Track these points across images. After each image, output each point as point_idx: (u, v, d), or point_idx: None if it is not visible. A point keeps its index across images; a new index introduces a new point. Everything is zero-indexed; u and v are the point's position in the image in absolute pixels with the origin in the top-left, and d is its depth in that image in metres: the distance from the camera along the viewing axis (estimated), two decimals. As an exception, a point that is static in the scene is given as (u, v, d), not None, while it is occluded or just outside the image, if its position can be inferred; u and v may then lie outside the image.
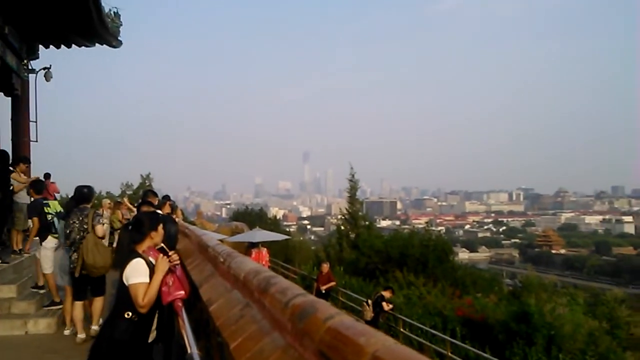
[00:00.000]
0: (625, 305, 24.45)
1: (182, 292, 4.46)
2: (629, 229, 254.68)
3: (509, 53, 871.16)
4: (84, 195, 8.01)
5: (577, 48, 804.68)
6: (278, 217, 71.55)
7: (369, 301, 15.01)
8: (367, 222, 34.44)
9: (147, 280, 4.32)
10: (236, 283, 3.97)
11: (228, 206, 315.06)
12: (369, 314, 14.72)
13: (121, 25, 14.72)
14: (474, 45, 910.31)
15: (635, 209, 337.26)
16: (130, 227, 4.76)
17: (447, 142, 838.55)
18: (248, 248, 23.33)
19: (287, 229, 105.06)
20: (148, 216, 4.99)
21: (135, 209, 10.50)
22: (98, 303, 8.04)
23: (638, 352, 18.88)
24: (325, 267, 18.22)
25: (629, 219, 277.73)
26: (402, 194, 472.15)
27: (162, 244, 4.71)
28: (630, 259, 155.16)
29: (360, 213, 34.52)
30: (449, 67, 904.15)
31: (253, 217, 49.88)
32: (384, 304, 14.99)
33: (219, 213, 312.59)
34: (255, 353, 2.67)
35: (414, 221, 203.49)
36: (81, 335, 7.75)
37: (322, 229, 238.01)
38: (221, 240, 21.74)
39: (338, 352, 1.86)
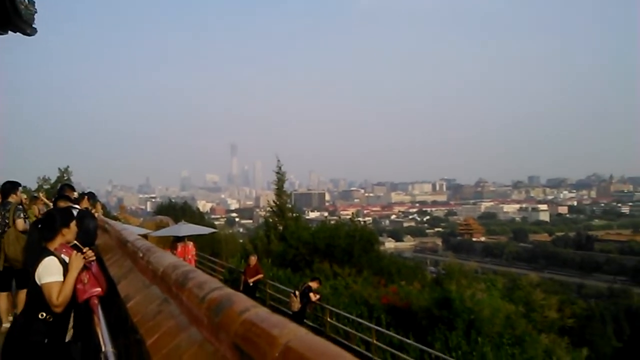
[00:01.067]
0: (540, 289, 25.69)
1: (99, 289, 4.33)
2: (544, 216, 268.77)
3: (425, 47, 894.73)
4: (5, 190, 8.33)
5: (479, 44, 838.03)
6: (205, 210, 70.63)
7: (296, 292, 15.08)
8: (295, 214, 34.55)
9: (61, 278, 4.16)
10: (155, 278, 3.89)
11: (153, 200, 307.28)
12: (297, 305, 14.79)
13: (36, 12, 13.99)
14: (398, 37, 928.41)
15: (550, 197, 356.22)
16: (40, 224, 4.55)
17: (373, 135, 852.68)
18: (173, 242, 22.89)
19: (215, 222, 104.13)
20: (59, 212, 4.81)
21: (52, 204, 10.10)
22: (22, 295, 7.96)
23: (552, 333, 19.96)
24: (253, 259, 18.16)
25: (544, 207, 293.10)
26: (330, 185, 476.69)
27: (76, 241, 4.54)
28: (545, 245, 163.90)
29: (288, 205, 34.56)
30: (372, 60, 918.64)
31: (178, 210, 48.94)
32: (311, 294, 15.11)
33: (143, 207, 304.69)
34: (172, 349, 2.63)
35: (341, 212, 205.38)
36: (6, 325, 7.77)
37: (250, 221, 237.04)
38: (145, 235, 21.17)
39: (252, 344, 1.87)
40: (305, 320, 15.83)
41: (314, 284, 15.34)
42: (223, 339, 2.12)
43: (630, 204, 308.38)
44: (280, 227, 32.20)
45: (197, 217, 48.85)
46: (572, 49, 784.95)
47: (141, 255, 4.63)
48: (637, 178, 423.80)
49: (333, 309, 15.69)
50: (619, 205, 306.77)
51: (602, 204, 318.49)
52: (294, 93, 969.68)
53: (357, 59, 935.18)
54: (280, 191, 33.94)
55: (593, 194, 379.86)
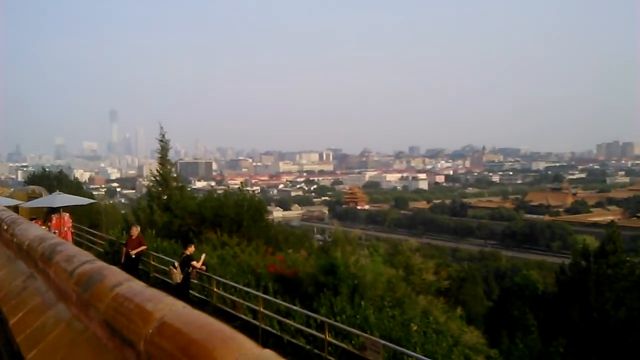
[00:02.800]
0: (419, 254, 27.05)
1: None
2: (423, 185, 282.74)
3: (314, 21, 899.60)
4: None
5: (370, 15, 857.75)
6: (83, 180, 66.97)
7: (176, 264, 14.74)
8: (180, 184, 33.64)
9: None
10: (20, 252, 3.57)
11: (24, 169, 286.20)
12: (178, 276, 14.49)
13: None
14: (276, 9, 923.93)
15: (429, 167, 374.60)
16: None
17: (260, 103, 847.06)
18: (48, 214, 21.57)
19: (94, 193, 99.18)
20: None
21: None
22: None
23: (429, 295, 21.13)
24: (135, 230, 17.48)
25: (423, 176, 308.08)
26: (218, 154, 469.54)
27: None
28: (424, 212, 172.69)
29: (173, 174, 33.55)
30: (257, 28, 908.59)
31: (53, 180, 46.08)
32: (194, 262, 14.87)
33: (13, 176, 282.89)
34: (37, 329, 2.41)
35: (229, 182, 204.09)
36: None
37: (133, 191, 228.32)
38: (16, 207, 19.65)
39: (124, 320, 1.73)
40: (190, 291, 15.58)
41: (189, 250, 15.08)
42: (93, 315, 1.96)
43: (500, 173, 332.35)
44: (165, 197, 31.23)
45: (74, 187, 46.23)
46: (424, 19, 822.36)
47: (5, 227, 4.24)
48: (506, 149, 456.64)
49: (220, 278, 15.54)
50: (490, 174, 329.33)
51: (475, 173, 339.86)
52: (179, 58, 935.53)
53: (241, 25, 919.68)
54: (164, 160, 32.78)
55: (467, 163, 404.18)
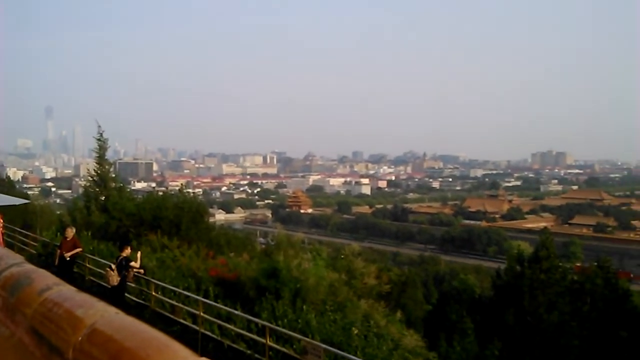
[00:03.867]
0: (361, 258, 27.27)
1: None
2: (366, 190, 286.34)
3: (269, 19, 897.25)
4: None
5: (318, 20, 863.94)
6: (17, 179, 64.34)
7: (113, 266, 14.33)
8: (118, 184, 32.76)
9: None
10: (-59, 254, 3.35)
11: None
12: (115, 278, 14.08)
13: None
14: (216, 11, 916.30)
15: (372, 172, 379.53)
16: None
17: (205, 104, 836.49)
18: (-24, 214, 20.58)
19: (28, 192, 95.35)
20: None
21: None
22: None
23: (370, 299, 21.33)
24: (70, 232, 16.90)
25: (366, 181, 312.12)
26: (159, 155, 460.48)
27: None
28: (366, 217, 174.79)
29: (111, 174, 32.65)
30: (201, 24, 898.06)
31: (-17, 178, 44.03)
32: (132, 263, 14.51)
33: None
34: (-44, 336, 2.25)
35: (170, 183, 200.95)
36: None
37: (69, 191, 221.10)
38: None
39: (53, 327, 1.63)
40: (128, 295, 15.17)
41: (125, 252, 14.70)
42: (20, 321, 1.85)
43: (440, 179, 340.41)
44: (102, 198, 30.33)
45: (7, 186, 44.38)
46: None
47: None
48: (446, 156, 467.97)
49: (159, 282, 15.19)
50: (431, 180, 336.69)
51: (416, 179, 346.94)
52: (120, 55, 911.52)
53: (185, 22, 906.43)
54: (101, 159, 31.83)
55: (409, 169, 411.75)
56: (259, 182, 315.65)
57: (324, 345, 10.65)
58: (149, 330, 1.41)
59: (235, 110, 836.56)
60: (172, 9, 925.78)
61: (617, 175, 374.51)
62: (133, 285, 15.56)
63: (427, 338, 21.52)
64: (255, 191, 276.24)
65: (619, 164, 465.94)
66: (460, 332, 24.35)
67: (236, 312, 13.09)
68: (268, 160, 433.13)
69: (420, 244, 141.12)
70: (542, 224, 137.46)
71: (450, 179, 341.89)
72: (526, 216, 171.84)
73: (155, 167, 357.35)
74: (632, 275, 66.56)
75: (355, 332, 12.86)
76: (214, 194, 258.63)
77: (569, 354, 21.87)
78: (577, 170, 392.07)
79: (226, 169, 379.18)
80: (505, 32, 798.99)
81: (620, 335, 21.84)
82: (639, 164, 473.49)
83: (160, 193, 29.40)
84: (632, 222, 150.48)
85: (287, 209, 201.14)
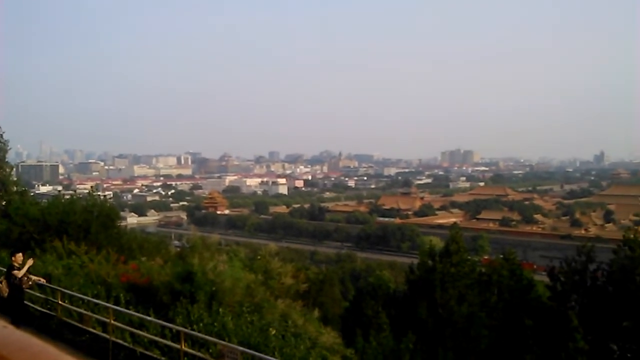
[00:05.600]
0: (279, 258, 27.22)
1: None
2: (283, 190, 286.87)
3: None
4: None
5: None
6: None
7: (1, 277, 13.45)
8: (21, 188, 31.00)
9: None
10: None
11: None
12: (4, 289, 13.20)
13: None
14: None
15: (289, 172, 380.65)
16: None
17: (114, 103, 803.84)
18: None
19: None
20: None
21: None
22: None
23: (288, 298, 21.33)
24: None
25: (283, 181, 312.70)
26: (65, 157, 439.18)
27: None
28: (283, 216, 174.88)
29: (12, 178, 30.86)
30: (106, 23, 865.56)
31: None
32: (15, 272, 13.43)
33: None
34: None
35: (78, 186, 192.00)
36: None
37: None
38: None
39: None
40: (32, 304, 14.36)
41: (16, 259, 13.79)
42: None
43: (356, 178, 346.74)
44: (4, 203, 28.61)
45: None
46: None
47: None
48: (361, 155, 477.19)
49: (65, 290, 14.45)
50: (346, 179, 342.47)
51: (333, 178, 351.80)
52: (23, 52, 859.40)
53: (89, 21, 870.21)
54: (2, 162, 30.06)
55: (325, 169, 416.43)
56: (173, 183, 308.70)
57: (240, 348, 10.54)
58: (38, 345, 1.30)
59: (147, 110, 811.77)
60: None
61: (520, 172, 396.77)
62: (37, 294, 14.74)
63: (344, 335, 21.82)
64: (170, 193, 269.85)
65: (522, 161, 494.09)
66: (376, 327, 24.88)
67: (149, 318, 12.69)
68: (182, 161, 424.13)
69: (337, 242, 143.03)
70: (452, 220, 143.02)
71: (365, 178, 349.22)
72: (437, 212, 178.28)
73: (61, 169, 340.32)
74: (535, 266, 70.49)
75: (273, 332, 12.82)
76: (125, 197, 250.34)
77: (479, 343, 22.85)
78: (483, 168, 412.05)
79: (138, 170, 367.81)
80: (414, 30, 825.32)
81: (526, 323, 23.06)
82: (540, 161, 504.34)
83: (67, 197, 27.95)
84: (534, 215, 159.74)
85: (203, 211, 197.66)
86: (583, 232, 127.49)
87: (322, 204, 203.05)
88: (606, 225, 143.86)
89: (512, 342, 23.10)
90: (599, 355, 21.96)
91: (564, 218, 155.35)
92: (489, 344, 23.02)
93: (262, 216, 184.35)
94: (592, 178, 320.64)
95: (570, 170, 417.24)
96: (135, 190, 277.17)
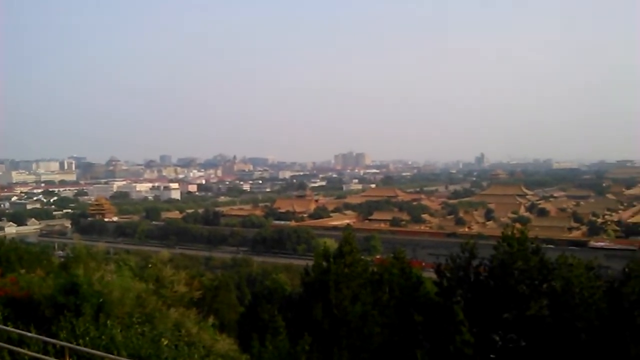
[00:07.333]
0: (171, 265, 26.45)
1: None
2: (176, 195, 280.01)
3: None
4: None
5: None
6: None
7: None
8: None
9: None
10: None
11: None
12: None
13: None
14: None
15: (181, 176, 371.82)
16: None
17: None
18: None
19: None
20: None
21: None
22: None
23: (181, 307, 20.77)
24: None
25: (176, 186, 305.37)
26: None
27: None
28: (177, 222, 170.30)
29: None
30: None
31: None
32: None
33: None
34: None
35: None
36: None
37: None
38: None
39: None
40: None
41: None
42: None
43: (251, 182, 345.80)
44: None
45: None
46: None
47: None
48: (256, 159, 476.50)
49: None
50: (241, 183, 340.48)
51: (227, 182, 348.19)
52: None
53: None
54: None
55: (219, 172, 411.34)
56: (56, 190, 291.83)
57: (130, 361, 10.14)
58: None
59: (25, 113, 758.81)
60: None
61: (408, 173, 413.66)
62: None
63: (240, 340, 21.58)
64: (52, 200, 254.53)
65: (410, 163, 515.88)
66: (273, 331, 24.82)
67: (29, 334, 11.88)
68: (66, 167, 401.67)
69: (232, 247, 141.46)
70: (346, 221, 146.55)
71: (261, 181, 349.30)
72: (331, 214, 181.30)
73: None
74: (424, 264, 73.68)
75: (165, 342, 12.43)
76: (2, 205, 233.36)
77: (372, 341, 23.48)
78: (374, 170, 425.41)
79: (16, 176, 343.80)
80: (303, 33, 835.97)
81: (416, 319, 24.03)
82: (426, 163, 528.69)
83: None
84: (422, 215, 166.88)
85: (89, 218, 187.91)
86: (466, 229, 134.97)
87: (217, 209, 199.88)
88: (487, 222, 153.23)
89: (403, 338, 23.99)
90: (483, 346, 23.34)
91: (449, 217, 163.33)
92: (382, 341, 23.74)
93: (154, 222, 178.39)
94: (474, 179, 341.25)
95: (454, 171, 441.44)
96: (14, 198, 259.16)
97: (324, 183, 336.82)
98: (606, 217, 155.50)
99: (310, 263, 29.00)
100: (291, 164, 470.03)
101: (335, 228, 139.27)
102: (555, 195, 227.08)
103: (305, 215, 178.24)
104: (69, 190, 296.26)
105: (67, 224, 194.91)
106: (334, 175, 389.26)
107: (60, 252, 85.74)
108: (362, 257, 29.95)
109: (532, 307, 22.89)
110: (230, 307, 39.69)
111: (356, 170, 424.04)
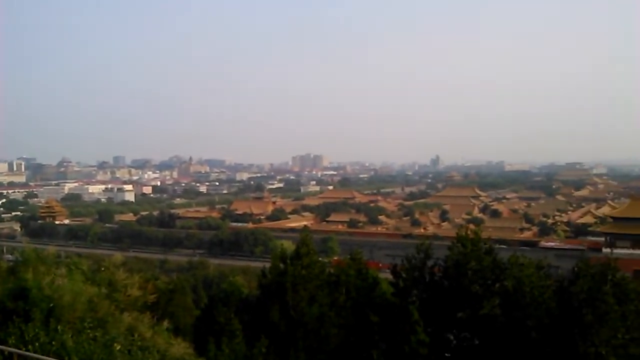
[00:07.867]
0: (125, 268, 25.93)
1: None
2: (130, 196, 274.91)
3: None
4: None
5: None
6: None
7: None
8: None
9: None
10: None
11: None
12: None
13: None
14: None
15: (135, 178, 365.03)
16: None
17: None
18: None
19: None
20: None
21: None
22: None
23: (135, 311, 20.39)
24: None
25: (130, 187, 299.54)
26: None
27: None
28: (131, 224, 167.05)
29: None
30: None
31: None
32: None
33: None
34: None
35: None
36: None
37: None
38: None
39: None
40: None
41: None
42: None
43: (207, 183, 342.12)
44: None
45: None
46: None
47: None
48: (212, 160, 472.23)
49: None
50: (198, 185, 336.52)
51: (183, 184, 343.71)
52: None
53: None
54: None
55: (175, 174, 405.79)
56: (5, 192, 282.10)
57: (82, 367, 9.92)
58: None
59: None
60: None
61: (365, 175, 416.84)
62: None
63: (196, 344, 21.33)
64: (0, 202, 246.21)
65: (367, 165, 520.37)
66: (229, 333, 24.62)
67: (-25, 342, 11.50)
68: (15, 168, 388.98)
69: (189, 250, 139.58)
70: (303, 223, 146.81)
71: (217, 183, 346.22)
72: (289, 216, 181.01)
73: None
74: (380, 265, 74.54)
75: (118, 347, 12.20)
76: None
77: (329, 342, 23.59)
78: (332, 172, 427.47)
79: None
80: (270, 34, 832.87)
81: (372, 320, 24.24)
82: (383, 165, 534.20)
83: None
84: (379, 217, 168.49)
85: (40, 221, 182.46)
86: (422, 230, 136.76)
87: (173, 211, 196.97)
88: (442, 224, 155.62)
89: (360, 338, 24.17)
90: (438, 345, 23.74)
91: (405, 218, 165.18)
92: (339, 342, 23.88)
93: (107, 225, 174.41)
94: (429, 180, 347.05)
95: (410, 173, 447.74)
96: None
97: (281, 185, 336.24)
98: (556, 217, 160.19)
99: (268, 265, 28.90)
100: (248, 165, 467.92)
101: (292, 230, 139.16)
102: (507, 196, 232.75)
103: (262, 217, 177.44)
104: (18, 192, 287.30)
105: (16, 227, 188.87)
106: (292, 177, 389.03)
107: (9, 256, 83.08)
108: (320, 258, 30.04)
109: (485, 306, 23.40)
110: (186, 311, 39.14)
111: (314, 172, 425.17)
